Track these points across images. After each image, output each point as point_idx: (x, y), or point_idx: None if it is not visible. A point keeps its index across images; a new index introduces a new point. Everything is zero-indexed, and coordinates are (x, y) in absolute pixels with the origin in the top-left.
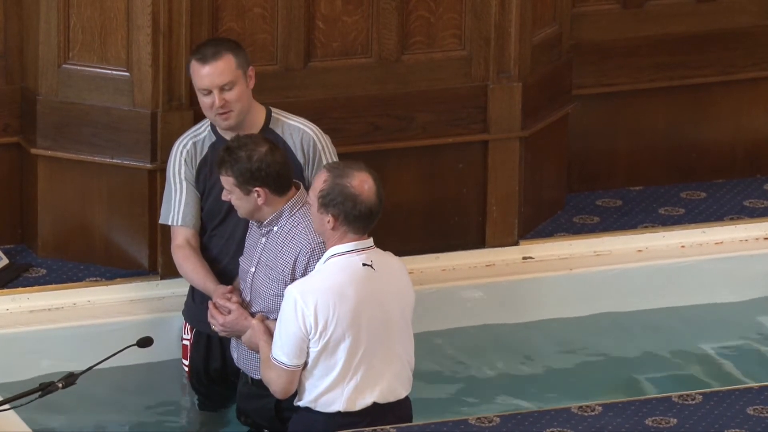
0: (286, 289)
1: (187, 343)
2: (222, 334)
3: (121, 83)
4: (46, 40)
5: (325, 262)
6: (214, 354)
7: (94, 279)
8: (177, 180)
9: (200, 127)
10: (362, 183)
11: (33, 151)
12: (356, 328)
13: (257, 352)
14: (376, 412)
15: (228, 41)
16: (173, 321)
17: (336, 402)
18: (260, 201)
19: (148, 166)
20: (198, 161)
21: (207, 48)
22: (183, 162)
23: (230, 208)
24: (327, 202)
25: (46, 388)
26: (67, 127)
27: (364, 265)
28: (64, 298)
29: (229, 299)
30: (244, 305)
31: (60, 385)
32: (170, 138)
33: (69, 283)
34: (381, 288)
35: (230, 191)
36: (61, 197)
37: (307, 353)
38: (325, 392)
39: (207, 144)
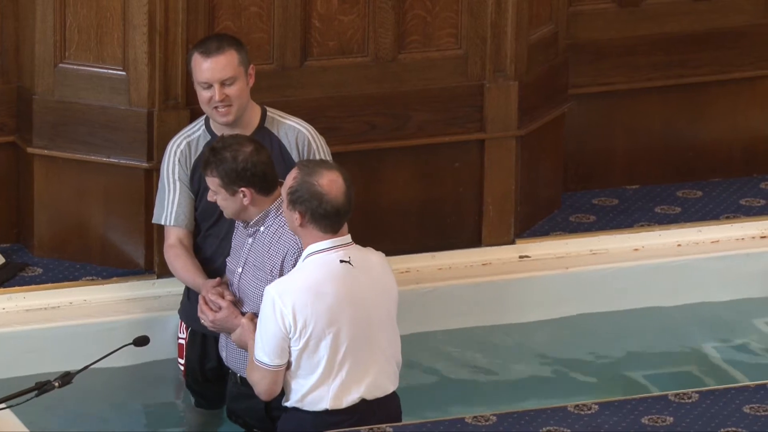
0: (265, 289)
1: (182, 341)
2: (211, 329)
3: (118, 82)
4: (42, 40)
5: (303, 261)
6: (209, 353)
7: (91, 278)
8: (170, 180)
9: (194, 127)
10: (330, 182)
11: (29, 150)
12: (336, 325)
13: (247, 350)
14: (364, 409)
15: (231, 37)
16: (169, 320)
17: (323, 400)
18: (246, 201)
19: (145, 165)
20: (193, 161)
21: (210, 42)
22: (177, 162)
23: None
24: (294, 199)
25: (42, 387)
26: (63, 126)
27: (341, 261)
28: (60, 297)
29: (221, 294)
30: (235, 302)
31: (56, 384)
32: (166, 137)
33: (65, 282)
34: (360, 284)
35: (216, 192)
36: (57, 196)
37: (289, 353)
38: (311, 391)
39: (202, 143)
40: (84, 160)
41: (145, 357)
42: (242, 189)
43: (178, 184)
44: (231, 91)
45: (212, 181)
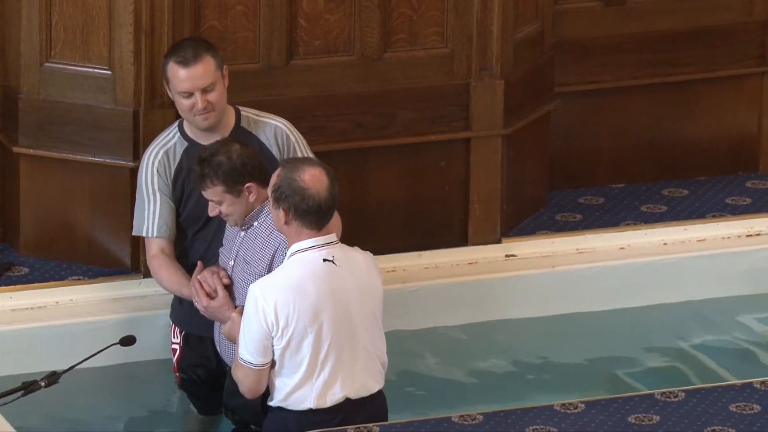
0: (249, 287)
1: (176, 346)
2: (203, 314)
3: (103, 81)
4: (28, 39)
5: (287, 260)
6: (205, 355)
7: (77, 277)
8: (149, 191)
9: (168, 134)
10: (313, 178)
11: (15, 149)
12: (318, 323)
13: (236, 344)
14: (349, 408)
15: (204, 42)
16: (156, 320)
17: (306, 399)
18: (252, 197)
19: (130, 164)
20: (173, 170)
21: (185, 50)
22: (155, 173)
23: None
24: (278, 196)
25: (28, 386)
26: (49, 125)
27: (324, 260)
28: (46, 296)
29: (217, 273)
30: (229, 287)
31: (43, 383)
32: (152, 136)
33: (51, 282)
34: (343, 283)
35: (219, 201)
36: (43, 196)
37: (272, 351)
38: (295, 390)
39: (179, 151)
40: (70, 160)
41: (132, 357)
42: (248, 185)
43: (158, 194)
44: (212, 97)
45: (214, 192)
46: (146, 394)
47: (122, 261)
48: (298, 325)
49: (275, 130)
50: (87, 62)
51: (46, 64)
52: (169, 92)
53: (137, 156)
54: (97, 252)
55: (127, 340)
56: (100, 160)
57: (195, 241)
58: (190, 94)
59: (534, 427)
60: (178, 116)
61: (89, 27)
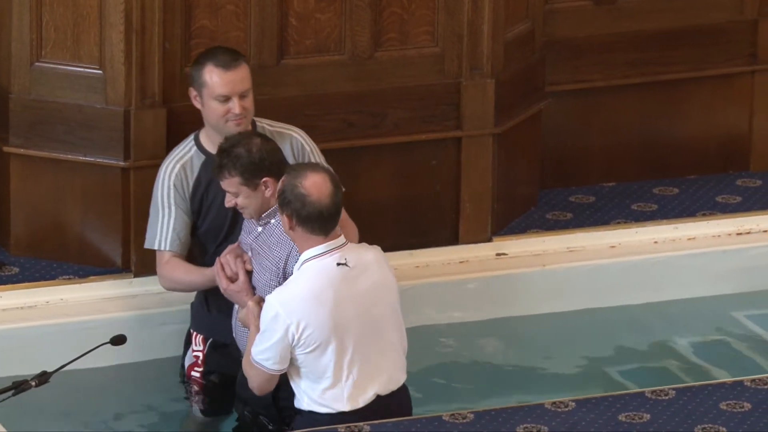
0: (267, 298)
1: (198, 353)
2: (223, 293)
3: (94, 81)
4: (18, 38)
5: (300, 267)
6: (231, 360)
7: (68, 277)
8: (165, 204)
9: (184, 147)
10: (314, 184)
11: (5, 149)
12: (340, 329)
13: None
14: (379, 404)
15: (235, 50)
16: (147, 319)
17: (338, 401)
18: (268, 192)
19: (122, 164)
20: (191, 183)
21: (223, 54)
22: (172, 186)
23: (234, 220)
24: (281, 202)
25: (19, 386)
26: (39, 125)
27: (338, 264)
28: (37, 296)
29: (241, 257)
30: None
31: (33, 383)
32: (143, 136)
33: (42, 281)
34: (359, 284)
35: (236, 193)
36: (34, 195)
37: (291, 358)
38: (324, 392)
39: (197, 164)
40: (61, 159)
41: (123, 356)
42: (264, 179)
43: (173, 208)
44: (247, 102)
45: (231, 183)
46: (139, 394)
47: (113, 260)
48: (322, 334)
49: (291, 141)
50: (78, 62)
51: (37, 63)
52: (197, 99)
53: (128, 156)
54: (88, 251)
55: (118, 340)
56: (91, 159)
57: (217, 254)
58: (227, 99)
59: (524, 425)
60: (169, 116)
61: (80, 26)
